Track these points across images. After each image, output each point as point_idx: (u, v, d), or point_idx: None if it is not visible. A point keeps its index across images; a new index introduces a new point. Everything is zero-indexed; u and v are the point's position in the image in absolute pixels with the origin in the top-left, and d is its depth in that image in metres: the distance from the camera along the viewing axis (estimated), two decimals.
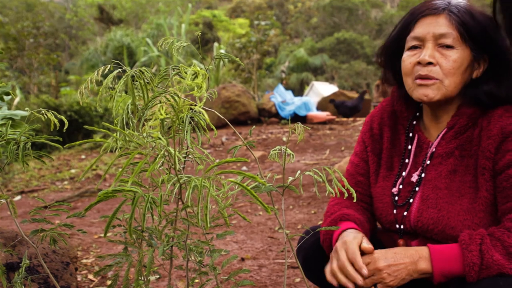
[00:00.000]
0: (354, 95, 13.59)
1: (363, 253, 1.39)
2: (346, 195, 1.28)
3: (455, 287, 1.32)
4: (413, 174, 1.54)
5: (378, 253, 1.38)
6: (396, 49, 1.53)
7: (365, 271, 1.35)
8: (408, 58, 1.46)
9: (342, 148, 7.38)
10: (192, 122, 1.23)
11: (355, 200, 1.41)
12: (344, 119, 12.05)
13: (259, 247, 3.29)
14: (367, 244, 1.40)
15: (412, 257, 1.34)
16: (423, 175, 1.51)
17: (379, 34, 32.92)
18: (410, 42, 1.47)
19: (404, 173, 1.56)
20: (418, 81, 1.44)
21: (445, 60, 1.40)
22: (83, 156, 8.55)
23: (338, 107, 11.50)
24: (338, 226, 1.51)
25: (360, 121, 11.20)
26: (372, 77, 26.51)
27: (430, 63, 1.41)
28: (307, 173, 1.31)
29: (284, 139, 8.41)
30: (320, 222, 1.79)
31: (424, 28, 1.43)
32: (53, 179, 6.70)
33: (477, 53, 1.42)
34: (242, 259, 3.03)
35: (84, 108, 10.67)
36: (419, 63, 1.43)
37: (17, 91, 13.07)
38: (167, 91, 1.19)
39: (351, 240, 1.41)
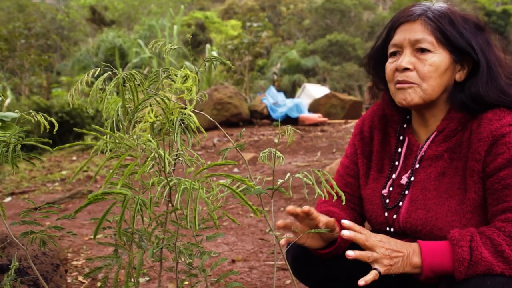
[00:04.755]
0: (346, 97, 13.62)
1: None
2: (335, 197, 1.29)
3: (444, 287, 1.34)
4: (402, 176, 1.55)
5: (384, 236, 1.39)
6: (382, 56, 1.56)
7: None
8: (389, 65, 1.50)
9: (333, 150, 7.40)
10: (182, 125, 1.23)
11: (344, 203, 1.42)
12: (336, 121, 12.08)
13: (249, 249, 3.29)
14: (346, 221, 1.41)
15: (407, 250, 1.36)
16: (412, 178, 1.52)
17: (371, 36, 33.00)
18: (390, 49, 1.51)
19: (394, 175, 1.58)
20: (397, 85, 1.47)
21: (421, 64, 1.43)
22: (74, 158, 8.51)
23: None
24: None
25: (352, 123, 11.23)
26: (364, 79, 26.53)
27: (406, 69, 1.44)
28: (296, 175, 1.32)
29: (276, 141, 8.41)
30: None
31: (401, 34, 1.46)
32: (44, 180, 6.67)
33: (457, 55, 1.44)
34: (233, 261, 3.04)
35: (76, 110, 10.62)
36: (397, 69, 1.46)
37: (8, 92, 12.99)
38: (157, 94, 1.20)
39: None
